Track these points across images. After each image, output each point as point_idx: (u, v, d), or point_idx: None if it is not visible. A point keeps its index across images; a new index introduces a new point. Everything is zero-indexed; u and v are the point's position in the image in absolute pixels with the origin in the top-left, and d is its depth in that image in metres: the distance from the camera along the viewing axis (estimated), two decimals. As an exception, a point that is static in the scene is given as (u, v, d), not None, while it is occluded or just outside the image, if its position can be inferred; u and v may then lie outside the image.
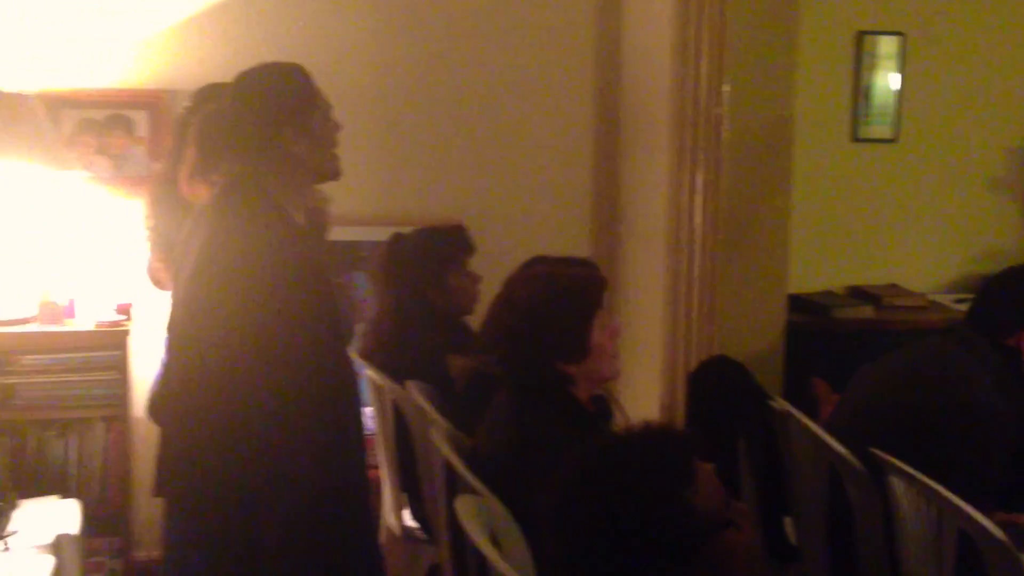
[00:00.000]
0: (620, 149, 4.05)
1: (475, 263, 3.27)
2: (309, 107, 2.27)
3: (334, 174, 2.33)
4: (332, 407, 2.24)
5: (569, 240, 3.99)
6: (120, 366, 3.44)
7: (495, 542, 1.92)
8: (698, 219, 3.46)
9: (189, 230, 2.31)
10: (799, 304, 3.88)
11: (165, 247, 2.90)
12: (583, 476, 1.66)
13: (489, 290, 2.67)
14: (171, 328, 2.33)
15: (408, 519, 3.13)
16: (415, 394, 2.83)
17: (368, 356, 3.13)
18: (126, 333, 3.47)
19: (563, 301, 2.25)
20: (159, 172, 2.95)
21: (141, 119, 3.71)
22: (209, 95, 2.86)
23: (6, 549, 2.59)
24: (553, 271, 2.34)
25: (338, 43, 3.82)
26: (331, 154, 2.32)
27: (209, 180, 2.63)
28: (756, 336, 3.55)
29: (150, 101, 3.71)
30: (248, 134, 2.26)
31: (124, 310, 3.55)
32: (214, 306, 2.13)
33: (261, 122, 2.24)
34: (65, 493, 3.11)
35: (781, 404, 2.73)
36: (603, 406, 2.45)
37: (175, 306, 2.34)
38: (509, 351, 2.28)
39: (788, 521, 2.78)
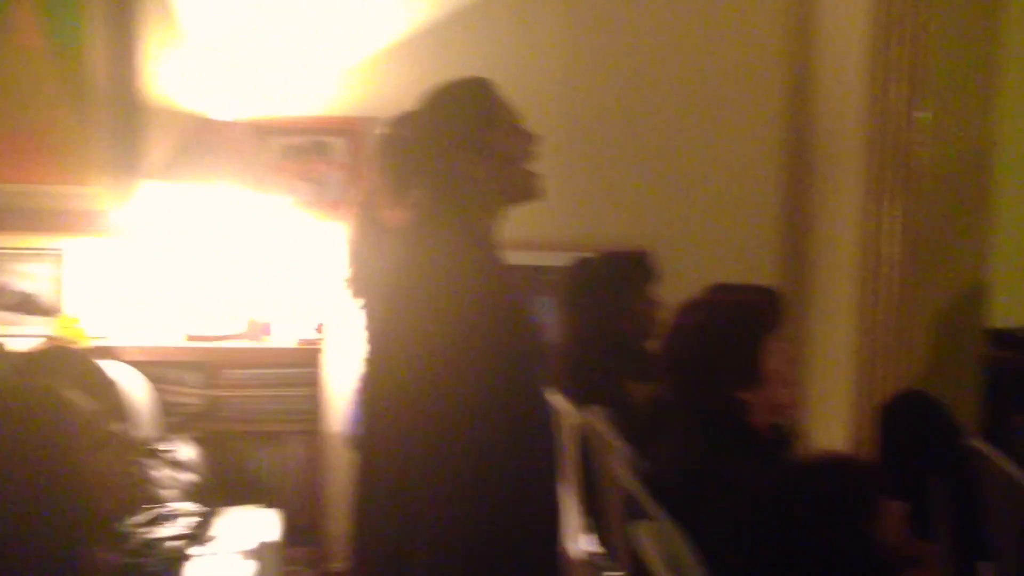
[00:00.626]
0: (810, 175, 3.97)
1: (658, 288, 3.27)
2: (486, 127, 2.15)
3: (528, 193, 2.17)
4: (530, 435, 2.19)
5: (755, 267, 3.94)
6: (315, 383, 3.60)
7: (673, 568, 1.91)
8: (890, 248, 3.36)
9: (388, 253, 2.35)
10: (1003, 339, 3.69)
11: (362, 268, 2.98)
12: (760, 505, 1.64)
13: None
14: (369, 359, 2.38)
15: (591, 544, 3.14)
16: (596, 420, 2.85)
17: (553, 381, 3.15)
18: (321, 351, 3.62)
19: (732, 327, 2.23)
20: (358, 196, 3.04)
21: (340, 145, 3.88)
22: (402, 122, 2.95)
23: (210, 553, 2.74)
24: (723, 297, 2.32)
25: (527, 70, 3.89)
26: (521, 172, 2.17)
27: (405, 204, 2.65)
28: (951, 370, 3.41)
29: (348, 128, 3.87)
30: (428, 159, 2.19)
31: (320, 329, 3.70)
32: (414, 333, 2.11)
33: (438, 147, 2.17)
34: (265, 503, 3.24)
35: (978, 444, 2.62)
36: (783, 435, 2.41)
37: (372, 334, 2.38)
38: (681, 378, 2.27)
39: (984, 567, 2.66)
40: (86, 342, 3.48)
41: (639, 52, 3.97)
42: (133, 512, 2.53)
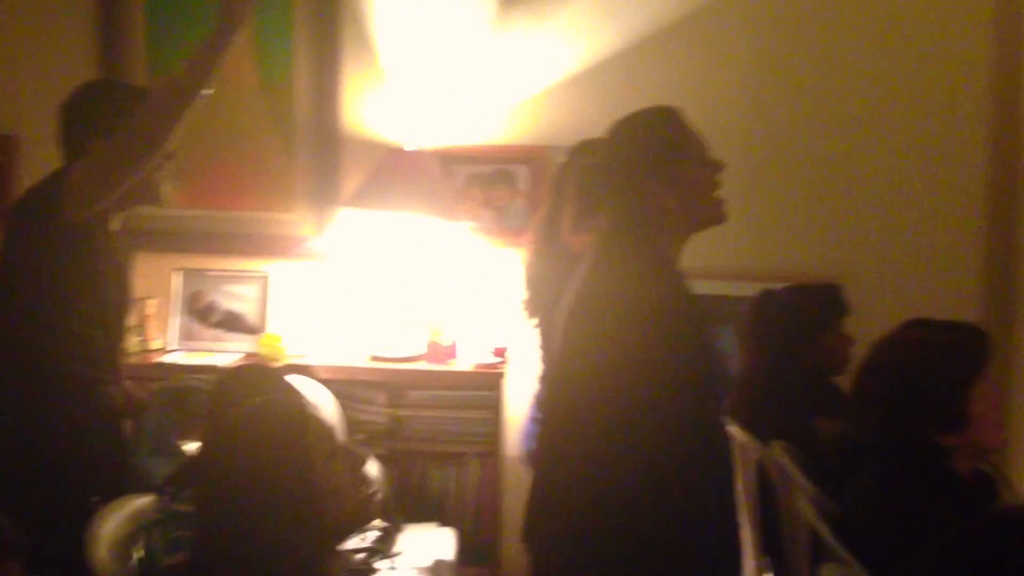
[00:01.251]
0: (1016, 203, 3.78)
1: (849, 322, 3.18)
2: (677, 157, 2.19)
3: (716, 220, 2.22)
4: (707, 465, 2.17)
5: (954, 304, 3.74)
6: (495, 406, 3.65)
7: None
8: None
9: (569, 277, 2.38)
10: None
11: (540, 292, 3.02)
12: (962, 555, 1.57)
13: (863, 352, 2.58)
14: (546, 378, 2.41)
15: (769, 583, 3.08)
16: (781, 456, 2.79)
17: (734, 413, 3.11)
18: (501, 376, 3.67)
19: (939, 367, 2.14)
20: (539, 223, 3.08)
21: (522, 173, 3.94)
22: (583, 150, 2.97)
23: (392, 568, 2.81)
24: (927, 335, 2.23)
25: (712, 97, 3.85)
26: (710, 200, 2.20)
27: (589, 230, 2.68)
28: None
29: (531, 156, 3.93)
30: (618, 187, 2.23)
31: (500, 353, 3.75)
32: (595, 356, 2.13)
33: (628, 175, 2.20)
34: (442, 522, 3.30)
35: None
36: (987, 481, 2.31)
37: (549, 355, 2.42)
38: (881, 419, 2.20)
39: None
40: (286, 360, 3.65)
41: (827, 76, 3.87)
42: (364, 524, 2.59)
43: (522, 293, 3.12)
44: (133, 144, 2.53)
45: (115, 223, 2.75)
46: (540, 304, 2.99)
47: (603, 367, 2.11)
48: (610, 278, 2.18)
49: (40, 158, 3.88)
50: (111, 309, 2.76)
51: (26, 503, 2.33)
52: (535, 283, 3.09)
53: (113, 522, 2.37)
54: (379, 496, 3.11)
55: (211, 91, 2.52)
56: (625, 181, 2.22)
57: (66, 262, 2.62)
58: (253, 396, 2.09)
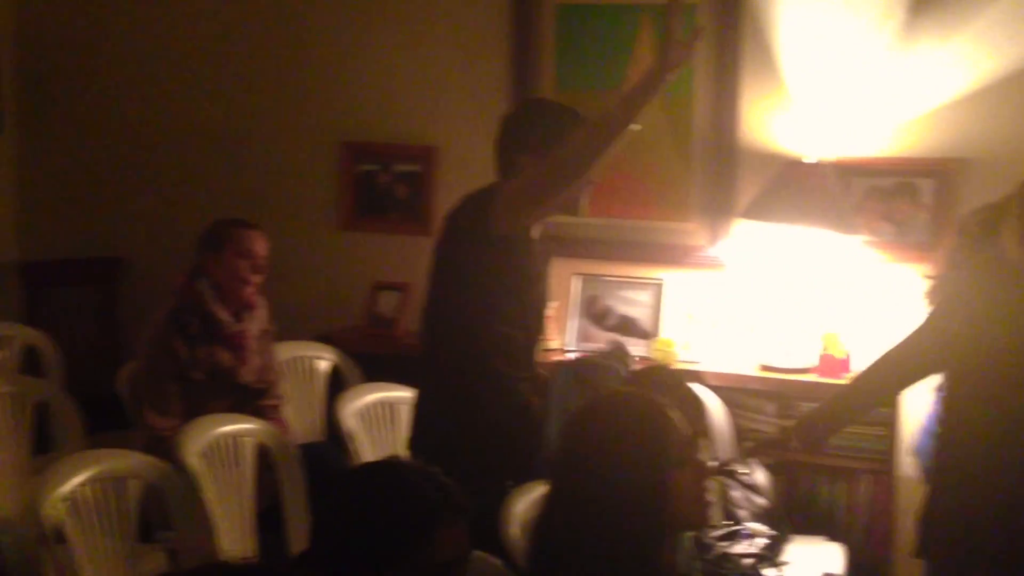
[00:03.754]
0: None
1: None
2: None
3: None
4: None
5: None
6: (889, 423, 3.56)
7: None
8: None
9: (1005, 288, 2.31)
10: None
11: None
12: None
13: None
14: (953, 395, 2.35)
15: None
16: None
17: None
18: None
19: None
20: (967, 233, 2.94)
21: (927, 187, 3.81)
22: None
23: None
24: None
25: None
26: None
27: None
28: None
29: (936, 169, 3.79)
30: None
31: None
32: None
33: None
34: (831, 536, 3.26)
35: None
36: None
37: (960, 371, 2.35)
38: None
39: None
40: (677, 365, 3.77)
41: None
42: (699, 529, 2.67)
43: (928, 305, 3.03)
44: (562, 169, 2.73)
45: (536, 232, 2.97)
46: (955, 317, 2.88)
47: None
48: None
49: (456, 167, 4.31)
50: (531, 312, 2.97)
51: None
52: (950, 297, 2.97)
53: (524, 503, 2.59)
54: (762, 504, 3.15)
55: (639, 127, 2.66)
56: None
57: (493, 269, 2.84)
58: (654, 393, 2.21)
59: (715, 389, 3.59)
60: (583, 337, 4.13)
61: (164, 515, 2.92)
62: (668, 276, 4.10)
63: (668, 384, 2.68)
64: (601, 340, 4.08)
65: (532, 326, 2.99)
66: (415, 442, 3.01)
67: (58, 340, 4.25)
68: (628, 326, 4.09)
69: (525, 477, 2.68)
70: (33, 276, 4.81)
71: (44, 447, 3.50)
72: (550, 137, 2.82)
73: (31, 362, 4.15)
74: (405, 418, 3.57)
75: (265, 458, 3.24)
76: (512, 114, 3.03)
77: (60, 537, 2.59)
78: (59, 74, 4.99)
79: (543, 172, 2.77)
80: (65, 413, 3.51)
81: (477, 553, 2.27)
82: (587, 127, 2.74)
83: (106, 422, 3.66)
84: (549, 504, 1.95)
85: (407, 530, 1.63)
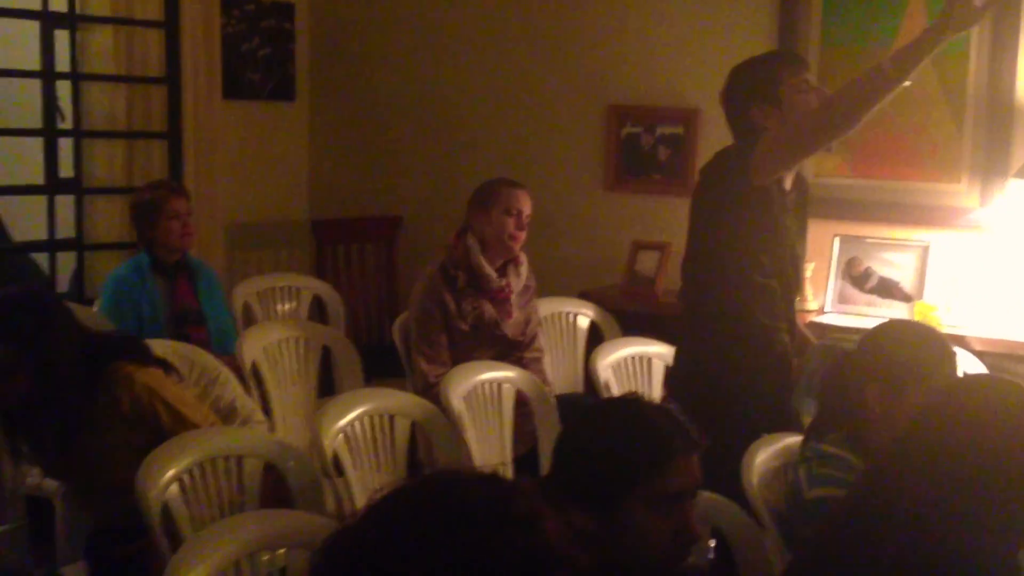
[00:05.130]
0: None
1: None
2: None
3: None
4: None
5: None
6: None
7: None
8: None
9: None
10: None
11: None
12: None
13: None
14: None
15: None
16: None
17: None
18: None
19: None
20: None
21: None
22: None
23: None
24: None
25: None
26: None
27: None
28: None
29: None
30: None
31: None
32: None
33: None
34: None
35: None
36: None
37: None
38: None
39: None
40: (941, 329, 3.65)
41: None
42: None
43: None
44: (829, 123, 2.75)
45: (788, 184, 2.98)
46: None
47: None
48: None
49: (718, 129, 4.31)
50: (788, 262, 3.00)
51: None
52: None
53: (765, 454, 2.61)
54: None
55: (910, 83, 2.62)
56: None
57: (750, 219, 2.90)
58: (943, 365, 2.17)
59: (980, 355, 3.46)
60: (842, 299, 4.07)
61: (429, 455, 3.14)
62: (933, 238, 3.97)
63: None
64: (861, 302, 4.01)
65: (789, 277, 3.01)
66: (672, 392, 3.10)
67: (342, 292, 4.61)
68: (889, 289, 4.00)
69: (778, 429, 2.71)
70: (322, 233, 5.22)
71: (327, 391, 3.82)
72: (776, 82, 2.87)
73: (319, 312, 4.52)
74: (659, 373, 3.67)
75: (524, 406, 3.41)
76: (735, 69, 3.03)
77: (339, 470, 2.83)
78: (345, 45, 5.36)
79: (809, 125, 2.80)
80: (347, 358, 3.81)
81: (721, 498, 2.34)
82: (857, 81, 2.73)
83: (382, 369, 3.95)
84: (881, 477, 1.85)
85: (644, 459, 1.73)
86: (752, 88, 2.93)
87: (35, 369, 2.57)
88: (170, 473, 2.48)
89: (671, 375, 3.17)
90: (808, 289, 4.05)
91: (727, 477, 2.42)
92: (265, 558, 2.21)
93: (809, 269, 4.05)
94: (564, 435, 1.88)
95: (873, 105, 2.64)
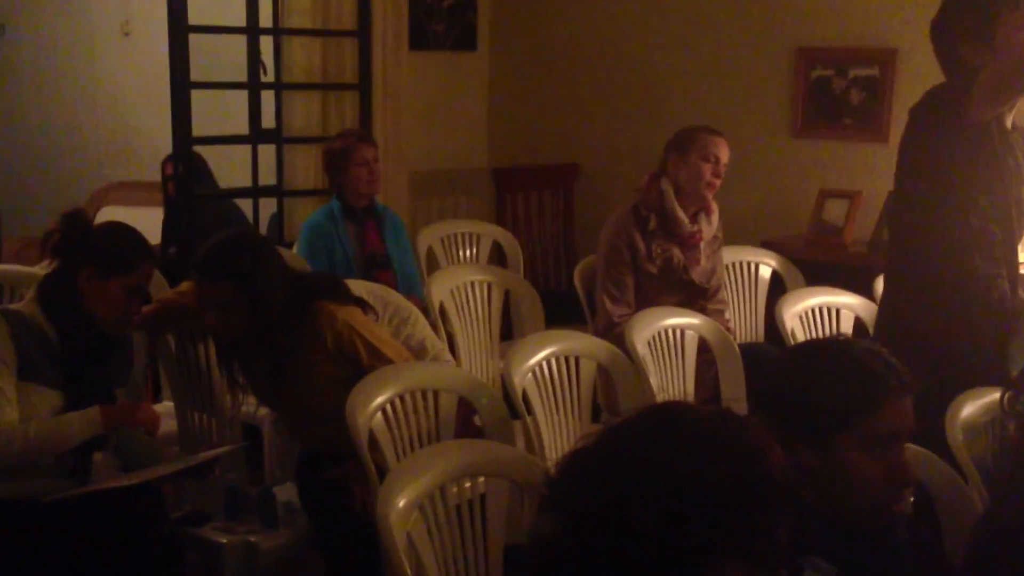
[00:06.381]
0: None
1: None
2: None
3: None
4: None
5: None
6: None
7: None
8: None
9: None
10: None
11: None
12: None
13: None
14: None
15: None
16: None
17: None
18: None
19: None
20: None
21: None
22: None
23: None
24: None
25: None
26: None
27: None
28: None
29: None
30: None
31: None
32: None
33: None
34: None
35: None
36: None
37: None
38: None
39: None
40: None
41: None
42: None
43: None
44: None
45: (1009, 121, 2.82)
46: None
47: None
48: None
49: (919, 68, 4.13)
50: (1011, 205, 2.83)
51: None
52: None
53: (972, 408, 2.52)
54: None
55: None
56: None
57: (967, 159, 2.75)
58: None
59: None
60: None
61: (612, 398, 3.15)
62: None
63: None
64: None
65: (1012, 221, 2.84)
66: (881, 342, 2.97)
67: (521, 239, 4.65)
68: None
69: (995, 381, 2.58)
70: (501, 180, 5.26)
71: (508, 335, 3.88)
72: (990, 19, 2.68)
73: (498, 258, 4.57)
74: (848, 324, 3.57)
75: (706, 353, 3.37)
76: (944, 2, 2.86)
77: (526, 409, 2.88)
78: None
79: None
80: (528, 302, 3.86)
81: (924, 450, 2.26)
82: None
83: (559, 315, 3.98)
84: None
85: (857, 398, 1.68)
86: (964, 22, 2.76)
87: (250, 305, 2.70)
88: (376, 402, 2.60)
89: (877, 326, 3.05)
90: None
91: (935, 431, 2.34)
92: (467, 485, 2.29)
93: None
94: (771, 376, 1.84)
95: None
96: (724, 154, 3.59)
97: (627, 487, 1.23)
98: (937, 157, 2.80)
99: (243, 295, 2.70)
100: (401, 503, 2.05)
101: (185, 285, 3.02)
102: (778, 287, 4.05)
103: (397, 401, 2.66)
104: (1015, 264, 2.90)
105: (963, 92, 2.72)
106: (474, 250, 4.52)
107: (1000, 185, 2.80)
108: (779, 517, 1.26)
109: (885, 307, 3.04)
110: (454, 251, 4.47)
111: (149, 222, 4.32)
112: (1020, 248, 2.93)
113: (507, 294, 3.89)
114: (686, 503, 1.22)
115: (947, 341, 2.79)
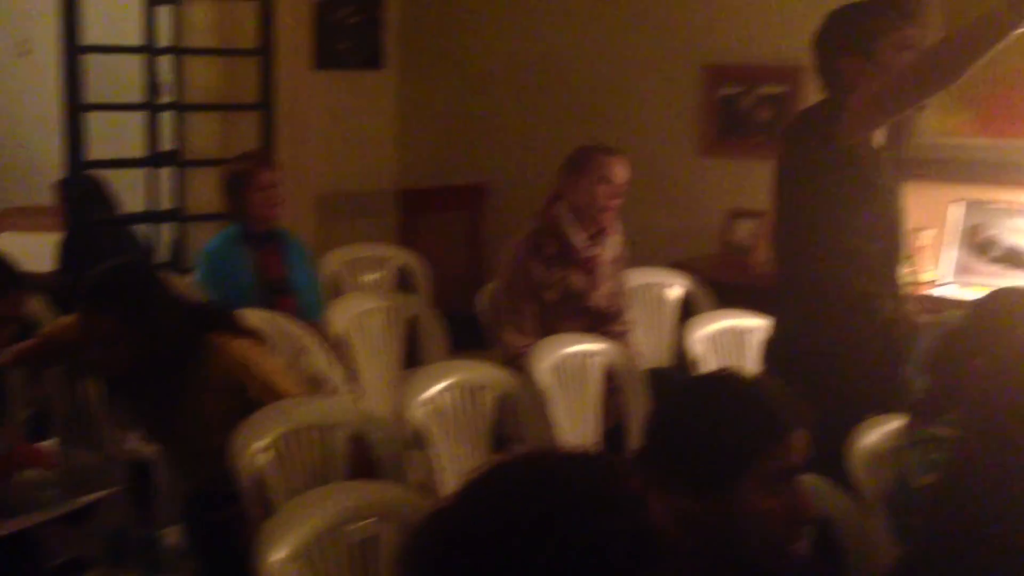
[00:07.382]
0: None
1: None
2: None
3: None
4: None
5: None
6: None
7: None
8: None
9: None
10: None
11: None
12: None
13: None
14: None
15: None
16: None
17: None
18: None
19: None
20: None
21: None
22: None
23: None
24: None
25: None
26: None
27: None
28: None
29: None
30: None
31: None
32: None
33: None
34: None
35: None
36: None
37: None
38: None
39: None
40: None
41: None
42: None
43: None
44: (928, 76, 2.49)
45: (877, 140, 2.78)
46: None
47: None
48: None
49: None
50: (884, 223, 2.79)
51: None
52: None
53: (874, 437, 2.46)
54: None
55: None
56: None
57: (838, 180, 2.70)
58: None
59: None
60: (961, 269, 3.84)
61: (516, 428, 3.06)
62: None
63: None
64: (983, 273, 3.78)
65: (887, 239, 2.80)
66: (770, 368, 2.94)
67: (429, 262, 4.55)
68: (1016, 258, 3.74)
69: (885, 407, 2.54)
70: (409, 202, 5.16)
71: (412, 362, 3.77)
72: (873, 35, 2.64)
73: (404, 282, 4.47)
74: (756, 347, 3.53)
75: (611, 380, 3.30)
76: (836, 10, 2.81)
77: (423, 442, 2.78)
78: (433, 13, 5.27)
79: (902, 79, 2.57)
80: (432, 329, 3.76)
81: (823, 481, 2.20)
82: (963, 29, 2.49)
83: (468, 340, 3.88)
84: (964, 453, 1.78)
85: (758, 436, 1.60)
86: (845, 37, 2.71)
87: (135, 339, 2.58)
88: (260, 443, 2.49)
89: (767, 350, 3.00)
90: (925, 258, 3.83)
91: (830, 458, 2.28)
92: (354, 527, 2.18)
93: (927, 236, 3.82)
94: (661, 413, 1.76)
95: (980, 57, 2.36)
96: (620, 174, 3.52)
97: (492, 550, 1.13)
98: (810, 179, 2.75)
99: (128, 328, 2.58)
100: (282, 554, 1.94)
101: (72, 317, 2.88)
102: (688, 310, 4.00)
103: (285, 440, 2.53)
104: (896, 283, 2.85)
105: (835, 111, 2.67)
106: (380, 274, 4.41)
107: (872, 204, 2.75)
108: (660, 570, 1.18)
109: (775, 328, 2.98)
110: (360, 275, 4.36)
111: (49, 248, 4.17)
112: (902, 267, 2.89)
113: (411, 321, 3.79)
114: (556, 563, 1.13)
115: (835, 362, 2.74)
